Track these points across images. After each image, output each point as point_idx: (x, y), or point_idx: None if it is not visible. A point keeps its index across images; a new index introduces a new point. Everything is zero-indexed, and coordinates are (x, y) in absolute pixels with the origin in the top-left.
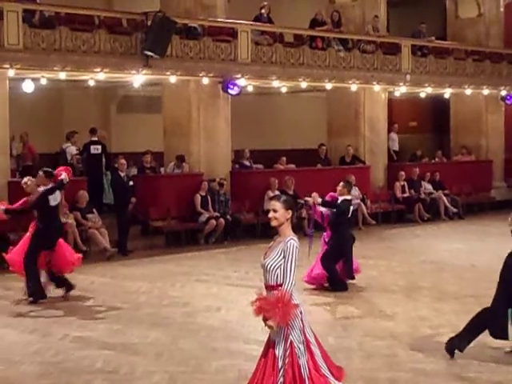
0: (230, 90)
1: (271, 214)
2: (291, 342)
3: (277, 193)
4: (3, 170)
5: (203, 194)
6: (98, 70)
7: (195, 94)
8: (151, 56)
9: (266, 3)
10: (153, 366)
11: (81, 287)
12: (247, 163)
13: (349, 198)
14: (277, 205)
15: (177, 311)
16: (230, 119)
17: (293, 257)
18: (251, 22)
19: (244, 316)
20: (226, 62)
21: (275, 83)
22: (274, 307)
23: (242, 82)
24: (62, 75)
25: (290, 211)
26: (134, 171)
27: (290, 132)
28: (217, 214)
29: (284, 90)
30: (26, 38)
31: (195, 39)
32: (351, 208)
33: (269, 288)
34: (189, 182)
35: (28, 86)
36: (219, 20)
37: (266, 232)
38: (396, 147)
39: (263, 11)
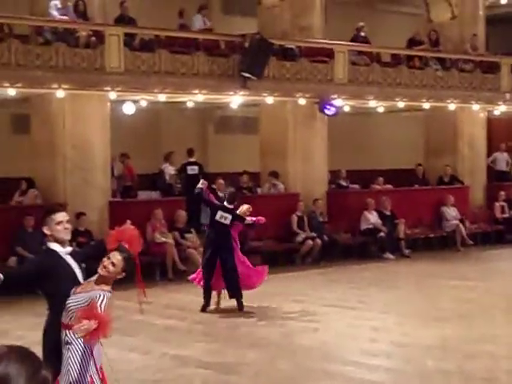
0: (326, 111)
1: (107, 263)
2: None
3: (374, 213)
4: (104, 190)
5: (300, 214)
6: (197, 91)
7: (292, 114)
8: (249, 77)
9: (362, 24)
10: None
11: (179, 306)
12: (344, 183)
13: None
14: (118, 259)
15: (274, 331)
16: (327, 139)
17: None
18: (348, 43)
19: (341, 337)
20: (323, 82)
21: (372, 103)
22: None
23: (338, 102)
24: (162, 97)
25: (123, 274)
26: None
27: (387, 152)
28: (313, 234)
29: (381, 109)
30: (126, 61)
31: (292, 60)
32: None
33: (63, 326)
34: (285, 202)
35: (128, 108)
36: (316, 41)
37: (363, 253)
38: (503, 167)
39: (360, 31)
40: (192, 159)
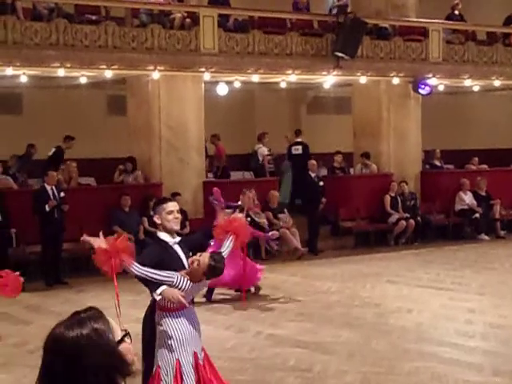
0: (420, 90)
1: (195, 260)
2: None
3: (469, 194)
4: (199, 170)
5: (393, 194)
6: (290, 71)
7: (385, 94)
8: (342, 57)
9: (457, 1)
10: (345, 366)
11: (272, 285)
12: (438, 163)
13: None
14: (204, 262)
15: (368, 312)
16: (421, 119)
17: None
18: (443, 21)
19: (436, 318)
20: (417, 61)
21: (467, 82)
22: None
23: (433, 81)
24: (255, 78)
25: (204, 278)
26: (323, 172)
27: (483, 131)
28: (407, 214)
29: (476, 88)
30: (220, 42)
31: (386, 39)
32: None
33: (158, 307)
34: (378, 182)
35: (222, 89)
36: (410, 19)
37: (458, 234)
38: None
39: (455, 9)
40: (298, 139)
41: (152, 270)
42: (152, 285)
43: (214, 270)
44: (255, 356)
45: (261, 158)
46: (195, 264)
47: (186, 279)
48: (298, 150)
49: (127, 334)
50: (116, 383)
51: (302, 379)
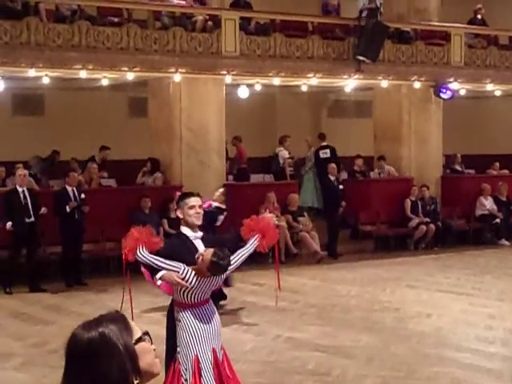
0: (442, 94)
1: (199, 255)
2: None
3: (489, 199)
4: (219, 172)
5: (413, 198)
6: (311, 75)
7: (407, 98)
8: (363, 61)
9: (479, 6)
10: (364, 370)
11: (292, 289)
12: (459, 168)
13: (223, 206)
14: (207, 259)
15: (388, 316)
16: (442, 123)
17: None
18: (465, 25)
19: (456, 323)
20: (439, 65)
21: (489, 87)
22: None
23: (454, 85)
24: (276, 81)
25: (208, 274)
26: (343, 175)
27: (504, 136)
28: (427, 219)
29: (498, 93)
30: (242, 45)
31: (408, 43)
32: (221, 217)
33: (175, 303)
34: (399, 186)
35: (243, 92)
36: (432, 24)
37: (478, 239)
38: None
39: (477, 13)
40: (324, 143)
41: (159, 259)
42: (156, 271)
43: (217, 266)
44: (274, 359)
45: (281, 161)
46: (200, 259)
47: (193, 273)
48: (326, 153)
49: (146, 333)
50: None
51: (320, 383)
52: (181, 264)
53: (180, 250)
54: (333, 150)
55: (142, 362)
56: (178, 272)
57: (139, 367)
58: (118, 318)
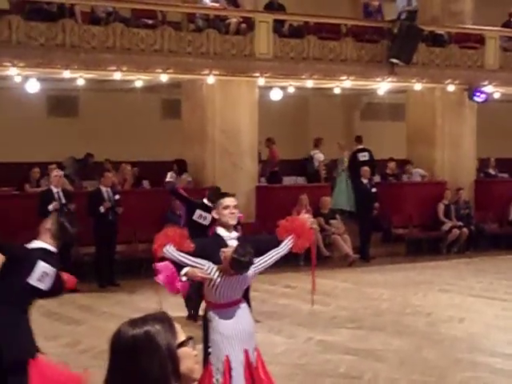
0: (476, 98)
1: (222, 253)
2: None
3: None
4: (252, 175)
5: (446, 202)
6: (344, 77)
7: (440, 101)
8: (397, 64)
9: None
10: (396, 374)
11: (323, 292)
12: (492, 172)
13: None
14: (227, 255)
15: (419, 320)
16: (475, 127)
17: None
18: (499, 28)
19: (488, 328)
20: (473, 68)
21: None
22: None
23: (488, 89)
24: (309, 83)
25: (231, 271)
26: (376, 178)
27: None
28: (460, 223)
29: None
30: (275, 48)
31: (442, 46)
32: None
33: (207, 303)
34: (432, 190)
35: (276, 94)
36: (466, 26)
37: (511, 243)
38: None
39: None
40: (361, 146)
41: (185, 256)
42: (181, 268)
43: (238, 263)
44: (305, 362)
45: (316, 164)
46: (222, 257)
47: (218, 271)
48: (365, 156)
49: (190, 338)
50: None
51: None
52: (206, 261)
53: (211, 250)
54: (370, 153)
55: (182, 366)
56: (203, 269)
57: (179, 371)
58: (165, 319)
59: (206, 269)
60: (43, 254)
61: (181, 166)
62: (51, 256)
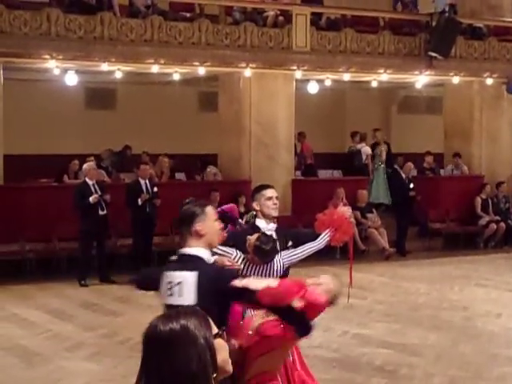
0: None
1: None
2: None
3: None
4: (288, 168)
5: (484, 196)
6: (382, 71)
7: (478, 95)
8: (435, 57)
9: None
10: (432, 369)
11: (360, 285)
12: None
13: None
14: (251, 243)
15: (456, 315)
16: None
17: None
18: None
19: None
20: None
21: None
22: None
23: None
24: (346, 76)
25: (256, 259)
26: (413, 172)
27: None
28: (497, 217)
29: None
30: (313, 41)
31: (480, 39)
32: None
33: None
34: (469, 184)
35: (313, 87)
36: (505, 20)
37: None
38: None
39: None
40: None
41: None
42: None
43: (260, 250)
44: (341, 355)
45: (364, 157)
46: (247, 244)
47: (244, 259)
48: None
49: (223, 330)
50: (208, 377)
51: (388, 380)
52: (234, 250)
53: (241, 240)
54: (388, 146)
55: (218, 358)
56: (230, 257)
57: (217, 362)
58: (198, 313)
59: (234, 257)
60: None
61: (203, 162)
62: None
